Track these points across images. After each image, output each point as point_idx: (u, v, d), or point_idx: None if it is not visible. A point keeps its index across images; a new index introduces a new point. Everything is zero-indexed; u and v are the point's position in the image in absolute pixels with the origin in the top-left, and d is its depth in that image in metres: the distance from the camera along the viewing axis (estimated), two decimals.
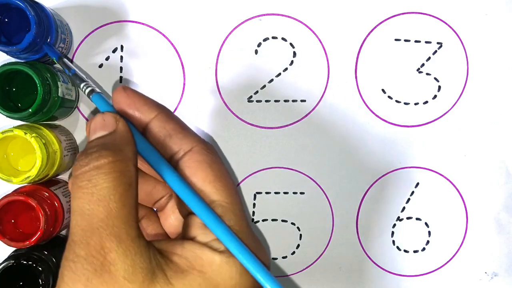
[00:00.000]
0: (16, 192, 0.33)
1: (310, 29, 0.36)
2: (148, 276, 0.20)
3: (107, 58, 0.36)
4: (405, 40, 0.37)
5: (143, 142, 0.24)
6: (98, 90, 0.27)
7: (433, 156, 0.37)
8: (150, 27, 0.36)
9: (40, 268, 0.32)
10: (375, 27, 0.36)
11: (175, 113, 0.36)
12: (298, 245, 0.38)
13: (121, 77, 0.36)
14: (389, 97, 0.37)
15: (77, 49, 0.36)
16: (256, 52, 0.36)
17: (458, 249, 0.38)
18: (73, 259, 0.20)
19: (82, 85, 0.28)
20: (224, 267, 0.22)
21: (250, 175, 0.37)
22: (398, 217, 0.38)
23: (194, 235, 0.23)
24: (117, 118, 0.24)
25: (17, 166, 0.33)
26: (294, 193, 0.37)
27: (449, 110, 0.37)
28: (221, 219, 0.23)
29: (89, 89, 0.27)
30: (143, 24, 0.36)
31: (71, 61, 0.36)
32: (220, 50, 0.36)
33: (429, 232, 0.38)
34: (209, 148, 0.25)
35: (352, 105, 0.37)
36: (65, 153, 0.34)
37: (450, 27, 0.37)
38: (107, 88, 0.36)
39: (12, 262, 0.32)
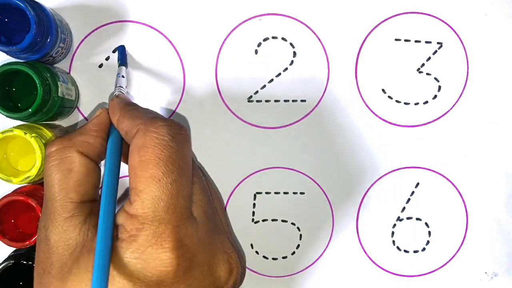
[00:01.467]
0: (16, 192, 0.33)
1: (310, 29, 0.36)
2: (71, 249, 0.24)
3: (107, 58, 0.36)
4: (405, 40, 0.37)
5: (113, 138, 0.27)
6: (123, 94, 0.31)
7: (433, 156, 0.37)
8: (150, 27, 0.36)
9: None
10: (375, 27, 0.36)
11: (176, 113, 0.36)
12: (298, 245, 0.38)
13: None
14: (389, 97, 0.37)
15: (77, 49, 0.36)
16: (256, 52, 0.36)
17: (458, 249, 0.38)
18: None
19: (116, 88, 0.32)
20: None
21: (250, 175, 0.37)
22: (398, 217, 0.38)
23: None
24: (100, 113, 0.28)
25: (17, 166, 0.33)
26: (294, 193, 0.37)
27: (449, 110, 0.37)
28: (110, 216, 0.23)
29: (116, 92, 0.31)
30: (143, 24, 0.36)
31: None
32: (220, 50, 0.36)
33: (429, 232, 0.38)
34: (149, 130, 0.24)
35: (352, 105, 0.37)
36: None
37: (450, 27, 0.37)
38: (107, 88, 0.36)
39: (12, 262, 0.32)
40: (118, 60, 0.35)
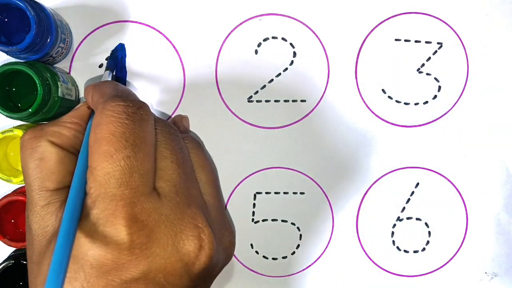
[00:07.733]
0: (16, 192, 0.33)
1: (310, 29, 0.36)
2: (49, 235, 0.25)
3: (107, 58, 0.36)
4: (405, 40, 0.37)
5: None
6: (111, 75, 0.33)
7: (433, 156, 0.38)
8: (150, 27, 0.36)
9: None
10: (375, 27, 0.36)
11: (176, 113, 0.36)
12: (298, 245, 0.38)
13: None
14: (389, 97, 0.37)
15: (77, 49, 0.36)
16: (256, 52, 0.36)
17: (458, 249, 0.38)
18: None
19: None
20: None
21: (250, 175, 0.37)
22: (398, 217, 0.38)
23: None
24: (79, 106, 0.29)
25: (17, 166, 0.33)
26: (294, 193, 0.37)
27: (449, 110, 0.37)
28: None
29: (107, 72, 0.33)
30: (143, 24, 0.36)
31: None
32: (220, 50, 0.36)
33: (429, 232, 0.38)
34: (106, 108, 0.24)
35: (352, 105, 0.37)
36: None
37: (450, 27, 0.37)
38: None
39: (12, 262, 0.32)
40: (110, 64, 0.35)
